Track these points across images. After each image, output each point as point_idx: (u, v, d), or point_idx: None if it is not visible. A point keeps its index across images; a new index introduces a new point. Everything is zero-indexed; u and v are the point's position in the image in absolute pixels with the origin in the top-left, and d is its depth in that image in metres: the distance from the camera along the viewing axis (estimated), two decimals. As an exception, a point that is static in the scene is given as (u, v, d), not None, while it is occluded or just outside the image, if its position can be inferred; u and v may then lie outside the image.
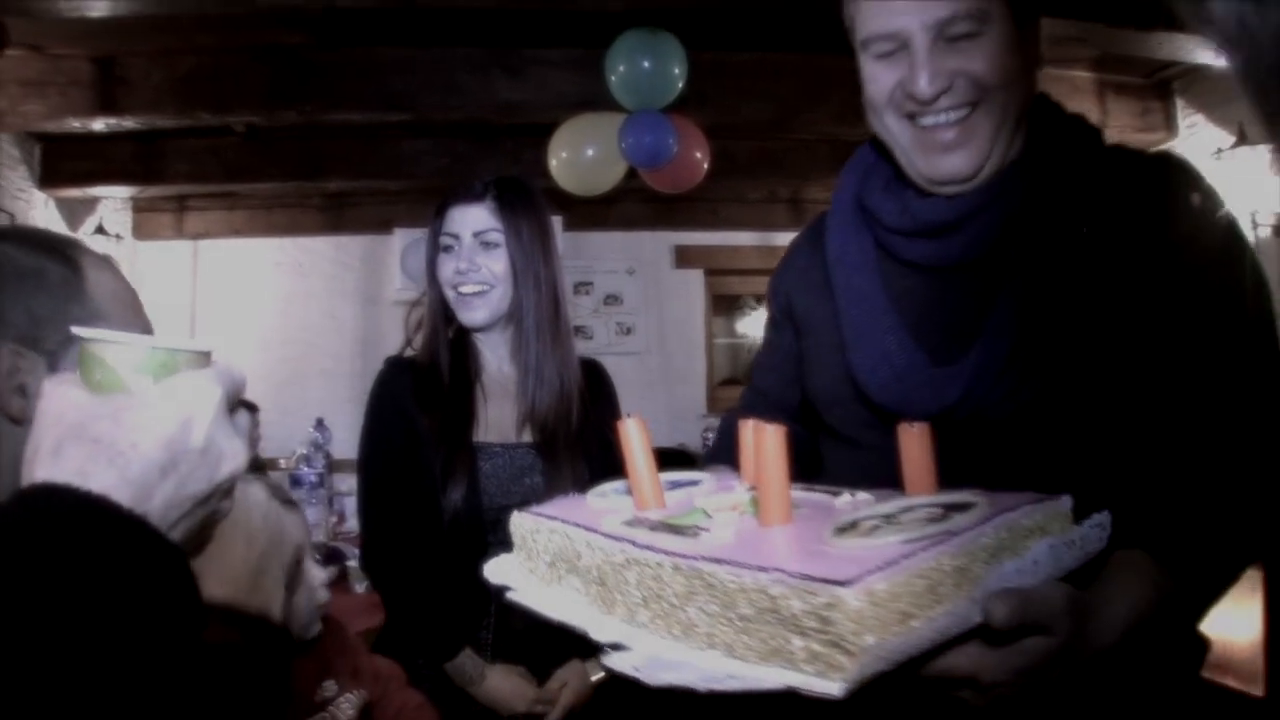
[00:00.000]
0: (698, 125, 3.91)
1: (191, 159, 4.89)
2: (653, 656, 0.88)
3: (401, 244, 6.16)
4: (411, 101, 3.95)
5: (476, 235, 2.11)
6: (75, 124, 4.05)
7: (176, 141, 4.80)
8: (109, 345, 0.75)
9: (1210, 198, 1.30)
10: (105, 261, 1.17)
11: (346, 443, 5.04)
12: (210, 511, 0.75)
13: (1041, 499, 0.98)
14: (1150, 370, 1.24)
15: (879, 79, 1.31)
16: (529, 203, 2.17)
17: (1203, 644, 1.34)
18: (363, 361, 5.97)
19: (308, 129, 4.60)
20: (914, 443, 1.04)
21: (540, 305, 2.17)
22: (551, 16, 3.55)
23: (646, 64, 3.66)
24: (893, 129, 1.34)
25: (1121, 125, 4.50)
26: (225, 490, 0.76)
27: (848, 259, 1.43)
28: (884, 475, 1.09)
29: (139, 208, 5.80)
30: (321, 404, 5.80)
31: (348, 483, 4.49)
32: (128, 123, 4.03)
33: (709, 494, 1.10)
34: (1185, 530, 1.12)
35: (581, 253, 6.24)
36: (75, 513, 0.66)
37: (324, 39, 3.80)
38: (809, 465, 1.43)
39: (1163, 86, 4.67)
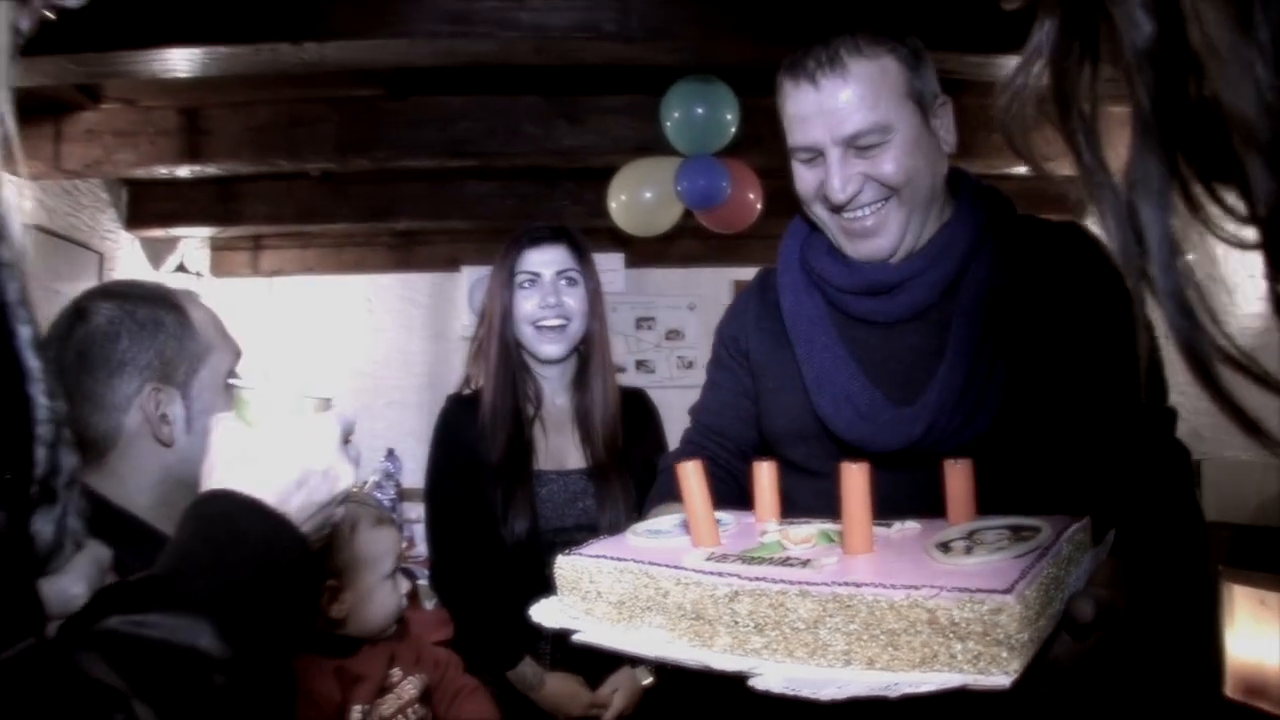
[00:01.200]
0: (751, 168, 4.03)
1: (268, 201, 5.10)
2: (790, 677, 0.93)
3: (469, 281, 6.31)
4: (477, 148, 4.11)
5: (560, 273, 2.29)
6: (163, 171, 4.27)
7: (253, 184, 5.00)
8: (254, 391, 1.03)
9: (1107, 257, 1.48)
10: (196, 299, 1.46)
11: (414, 473, 5.19)
12: (328, 515, 1.02)
13: (1079, 519, 1.10)
14: (1073, 400, 1.42)
15: (805, 179, 1.50)
16: (589, 248, 2.39)
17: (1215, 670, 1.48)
18: (430, 394, 6.12)
19: (378, 172, 4.77)
20: (957, 477, 1.15)
21: (603, 339, 2.37)
22: (610, 69, 3.69)
23: (700, 110, 3.80)
24: (821, 217, 1.52)
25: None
26: (340, 500, 1.03)
27: (803, 313, 1.57)
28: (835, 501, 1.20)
29: (217, 246, 6.03)
30: (390, 435, 5.97)
31: (416, 510, 4.64)
32: (210, 169, 4.25)
33: (759, 531, 1.18)
34: (1140, 539, 1.25)
35: (644, 289, 6.35)
36: (241, 508, 0.94)
37: (394, 89, 3.97)
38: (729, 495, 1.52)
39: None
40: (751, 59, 3.21)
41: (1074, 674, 1.09)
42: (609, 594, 1.09)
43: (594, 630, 1.08)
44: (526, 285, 2.28)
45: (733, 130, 3.84)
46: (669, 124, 3.82)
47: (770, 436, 1.61)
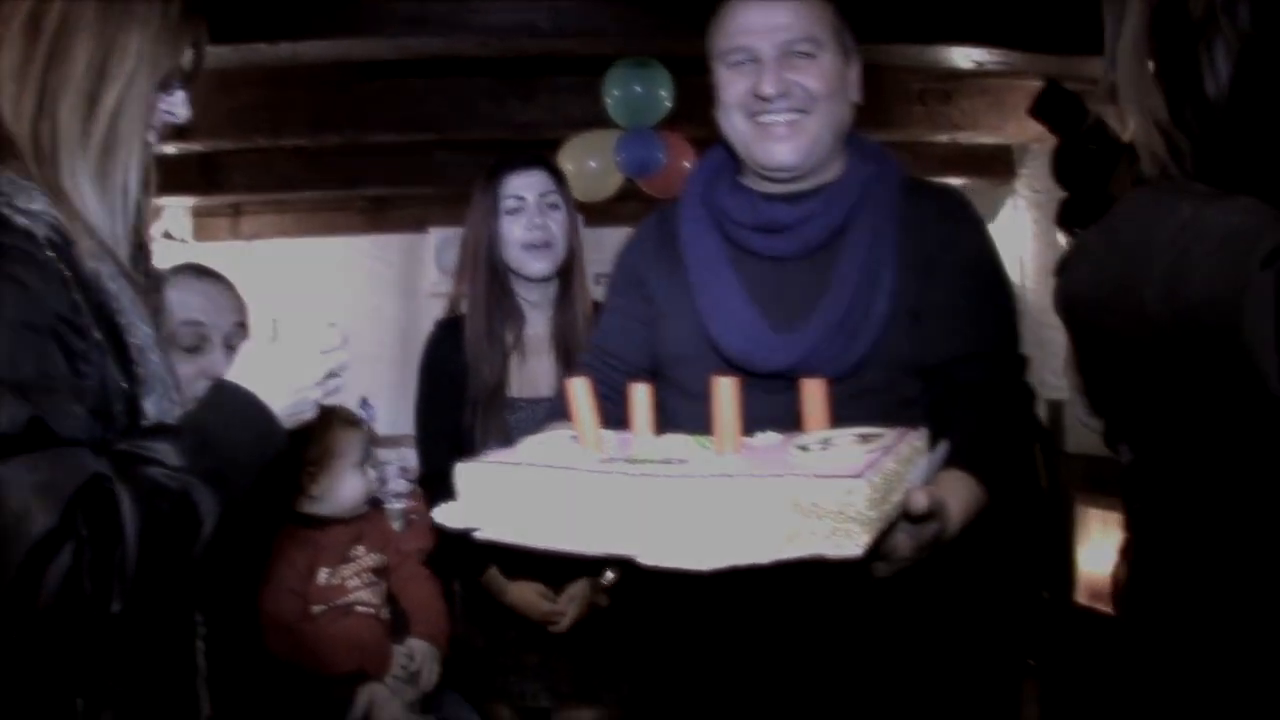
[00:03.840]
0: (685, 139, 4.45)
1: (247, 172, 5.46)
2: (675, 554, 1.03)
3: (436, 242, 6.70)
4: (438, 124, 4.53)
5: (542, 196, 2.43)
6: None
7: (233, 157, 5.37)
8: (273, 321, 1.42)
9: (978, 216, 1.73)
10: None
11: (386, 421, 5.61)
12: (303, 415, 1.37)
13: (918, 429, 1.25)
14: (939, 336, 1.59)
15: (733, 84, 1.62)
16: (565, 175, 2.59)
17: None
18: (400, 349, 6.47)
19: (350, 146, 5.16)
20: (812, 392, 1.24)
21: (581, 262, 2.51)
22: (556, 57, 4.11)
23: (638, 88, 4.22)
24: (737, 125, 1.64)
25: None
26: (310, 407, 1.38)
27: (700, 244, 1.69)
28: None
29: (199, 214, 6.36)
30: (363, 386, 6.35)
31: (386, 454, 5.07)
32: (194, 146, 4.63)
33: (648, 439, 1.26)
34: (986, 454, 1.42)
35: (601, 247, 6.70)
36: (240, 396, 1.29)
37: (363, 72, 4.37)
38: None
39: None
40: (667, 53, 3.66)
41: (911, 565, 1.24)
42: (507, 496, 1.17)
43: (494, 528, 1.16)
44: (513, 211, 2.40)
45: (668, 105, 4.24)
46: (610, 100, 4.23)
47: (662, 359, 1.73)
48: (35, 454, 1.08)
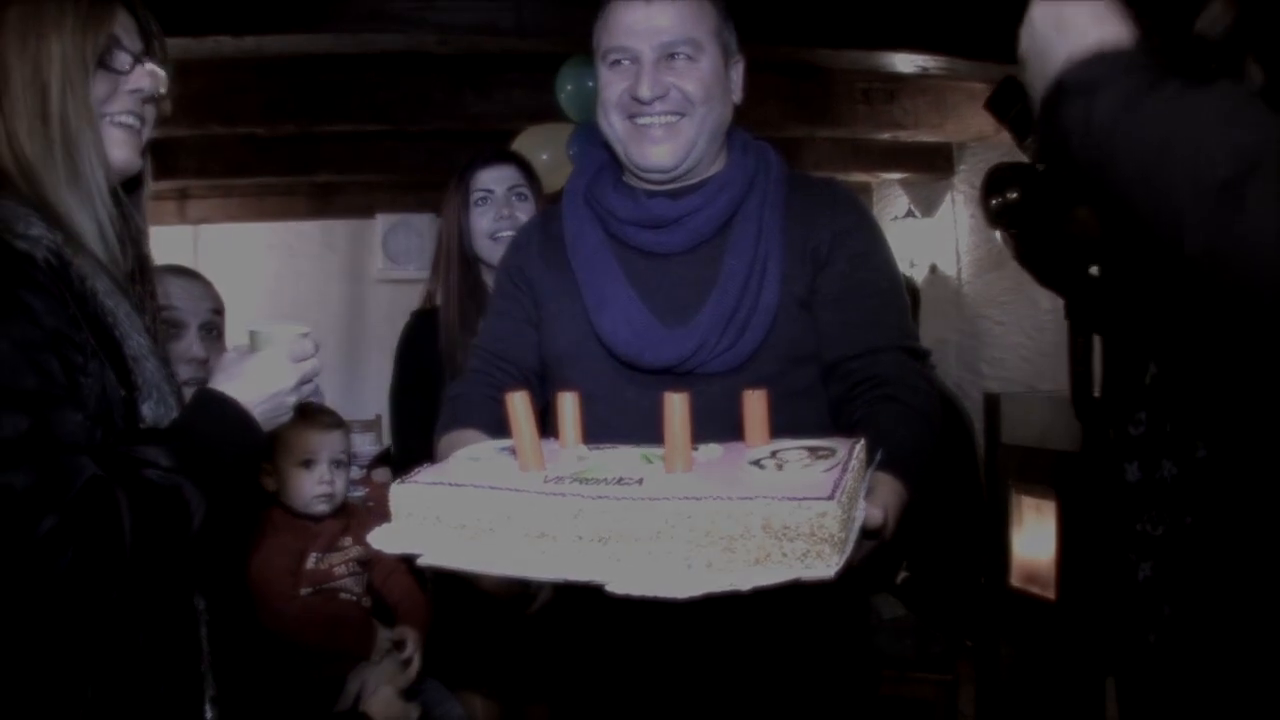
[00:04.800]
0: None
1: (196, 156, 5.45)
2: (643, 581, 1.01)
3: (383, 228, 6.75)
4: (392, 114, 4.55)
5: (510, 189, 2.53)
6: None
7: (182, 142, 5.35)
8: (251, 331, 1.47)
9: (865, 209, 1.75)
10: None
11: (333, 406, 5.64)
12: (280, 418, 1.46)
13: (858, 440, 1.21)
14: (834, 330, 1.60)
15: (613, 84, 1.63)
16: (534, 169, 2.68)
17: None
18: (347, 333, 6.56)
19: (300, 133, 5.17)
20: (754, 404, 1.24)
21: None
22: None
23: (590, 84, 4.28)
24: (615, 125, 1.64)
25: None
26: (287, 412, 1.47)
27: (584, 242, 1.69)
28: (620, 423, 1.42)
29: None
30: (310, 370, 6.40)
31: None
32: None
33: (575, 456, 1.25)
34: (903, 453, 1.38)
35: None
36: (222, 402, 1.38)
37: (320, 64, 4.39)
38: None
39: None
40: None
41: (861, 569, 1.21)
42: (449, 519, 1.13)
43: (439, 553, 1.12)
44: (481, 202, 2.50)
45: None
46: (563, 95, 4.31)
47: (551, 358, 1.72)
48: (38, 460, 1.16)
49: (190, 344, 2.02)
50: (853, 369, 1.59)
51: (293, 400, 1.46)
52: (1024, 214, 2.17)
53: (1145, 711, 1.64)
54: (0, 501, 1.13)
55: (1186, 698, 1.44)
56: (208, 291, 2.12)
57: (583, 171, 1.77)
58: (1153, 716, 1.60)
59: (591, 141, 1.67)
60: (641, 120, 1.60)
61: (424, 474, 1.21)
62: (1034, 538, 3.92)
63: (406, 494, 1.16)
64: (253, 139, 5.25)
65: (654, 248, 1.65)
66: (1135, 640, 1.59)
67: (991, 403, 4.15)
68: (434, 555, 1.11)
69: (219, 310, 2.12)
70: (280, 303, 6.65)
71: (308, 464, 2.30)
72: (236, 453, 1.37)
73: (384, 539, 1.16)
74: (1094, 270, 1.70)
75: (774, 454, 1.16)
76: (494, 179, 2.55)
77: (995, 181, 2.21)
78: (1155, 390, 1.62)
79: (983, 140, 5.37)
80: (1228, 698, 1.34)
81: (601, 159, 1.76)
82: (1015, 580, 3.97)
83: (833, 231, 1.64)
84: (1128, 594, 1.61)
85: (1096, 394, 2.17)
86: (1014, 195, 2.15)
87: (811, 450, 1.16)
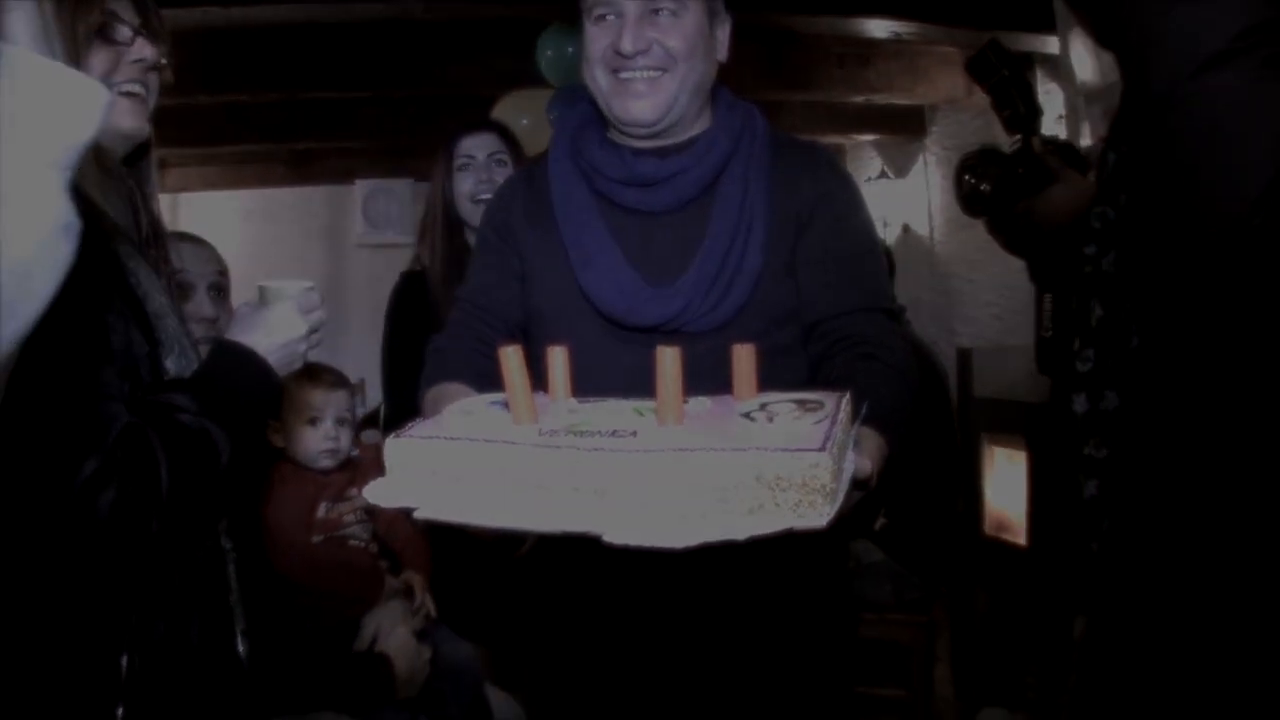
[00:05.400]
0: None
1: (173, 125, 5.46)
2: (640, 531, 1.00)
3: (362, 193, 6.79)
4: (373, 80, 4.62)
5: (491, 155, 2.68)
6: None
7: (162, 111, 5.38)
8: (261, 287, 1.57)
9: (846, 173, 1.77)
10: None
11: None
12: (294, 365, 1.56)
13: (844, 393, 1.19)
14: (816, 290, 1.62)
15: (596, 39, 1.62)
16: (515, 137, 2.81)
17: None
18: (329, 299, 6.52)
19: (279, 100, 5.21)
20: (743, 358, 1.22)
21: None
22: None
23: (570, 49, 4.36)
24: (599, 79, 1.63)
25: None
26: (299, 359, 1.56)
27: (570, 199, 1.68)
28: (604, 379, 1.37)
29: (124, 166, 6.36)
30: (294, 337, 6.45)
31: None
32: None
33: (565, 409, 1.23)
34: (884, 408, 1.36)
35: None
36: (240, 351, 1.47)
37: (301, 32, 4.42)
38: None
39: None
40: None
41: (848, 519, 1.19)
42: (445, 473, 1.12)
43: (435, 506, 1.11)
44: (463, 168, 2.66)
45: (599, 64, 4.39)
46: (543, 61, 4.37)
47: (535, 314, 1.71)
48: (80, 410, 1.26)
49: (201, 304, 2.15)
50: (832, 329, 1.61)
51: (303, 349, 1.56)
52: (995, 202, 2.25)
53: (1096, 616, 1.77)
54: (43, 450, 1.22)
55: (1123, 600, 1.57)
56: (213, 255, 2.25)
57: (567, 126, 1.77)
58: (1102, 621, 1.72)
59: (571, 105, 1.70)
60: (624, 74, 1.61)
61: (418, 428, 1.20)
62: (1005, 487, 4.01)
63: (401, 448, 1.15)
64: (233, 106, 5.27)
65: (640, 206, 1.66)
66: (1081, 549, 1.71)
67: (964, 357, 4.25)
68: (430, 508, 1.11)
69: (224, 272, 2.25)
70: (260, 269, 6.55)
71: (313, 421, 2.39)
72: (256, 397, 1.47)
73: (380, 493, 1.15)
74: (1089, 251, 1.78)
75: (763, 406, 1.16)
76: (475, 145, 2.70)
77: (967, 169, 2.29)
78: (1101, 331, 1.71)
79: (954, 103, 5.48)
80: (1156, 597, 1.47)
81: (586, 114, 1.75)
82: (988, 528, 4.07)
83: (815, 195, 1.66)
84: (1075, 510, 1.73)
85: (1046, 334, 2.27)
86: (985, 187, 2.23)
87: (800, 403, 1.16)
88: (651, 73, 1.60)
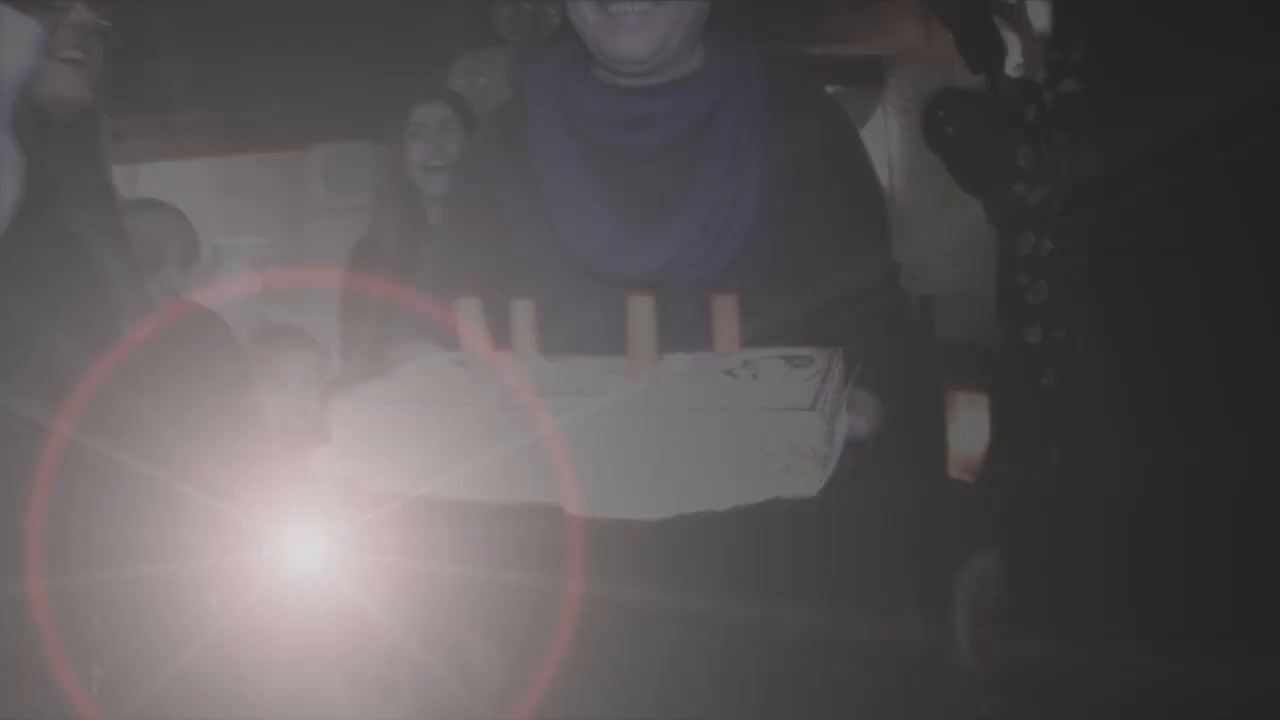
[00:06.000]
0: (574, 55, 4.57)
1: (126, 96, 5.37)
2: (615, 501, 0.94)
3: (321, 159, 6.72)
4: (331, 39, 4.60)
5: (442, 123, 2.83)
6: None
7: (114, 80, 5.30)
8: (215, 245, 1.62)
9: (847, 117, 1.69)
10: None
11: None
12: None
13: (835, 350, 1.15)
14: (814, 243, 1.54)
15: None
16: (467, 105, 2.95)
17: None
18: (290, 265, 6.54)
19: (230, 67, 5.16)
20: (725, 310, 1.17)
21: None
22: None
23: (528, 5, 4.36)
24: (586, 15, 1.50)
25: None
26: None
27: (552, 144, 1.57)
28: (583, 336, 1.29)
29: (79, 137, 6.27)
30: (255, 304, 6.40)
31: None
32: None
33: (540, 365, 1.15)
34: (882, 369, 1.33)
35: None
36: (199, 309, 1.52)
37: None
38: None
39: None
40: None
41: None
42: (393, 438, 1.03)
43: (383, 477, 1.03)
44: (415, 136, 2.81)
45: (556, 22, 4.37)
46: (500, 19, 4.37)
47: (510, 270, 1.60)
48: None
49: (172, 276, 2.18)
50: (830, 283, 1.51)
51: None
52: (961, 143, 2.26)
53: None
54: None
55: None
56: (181, 223, 2.29)
57: (546, 67, 1.64)
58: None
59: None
60: (614, 8, 1.47)
61: (367, 389, 1.11)
62: (968, 431, 4.09)
63: (348, 411, 1.06)
64: (187, 74, 5.20)
65: (624, 147, 1.56)
66: None
67: (926, 304, 4.31)
68: (377, 479, 1.03)
69: (194, 241, 2.30)
70: (218, 235, 6.60)
71: (280, 383, 2.40)
72: None
73: (324, 461, 1.05)
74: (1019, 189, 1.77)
75: (747, 363, 1.09)
76: (427, 114, 2.85)
77: (940, 106, 2.30)
78: (1051, 262, 1.68)
79: (912, 53, 5.48)
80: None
81: (566, 53, 1.63)
82: (952, 470, 4.15)
83: (815, 143, 1.57)
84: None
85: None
86: (950, 130, 2.25)
87: (788, 359, 1.10)
88: (644, 5, 1.47)
